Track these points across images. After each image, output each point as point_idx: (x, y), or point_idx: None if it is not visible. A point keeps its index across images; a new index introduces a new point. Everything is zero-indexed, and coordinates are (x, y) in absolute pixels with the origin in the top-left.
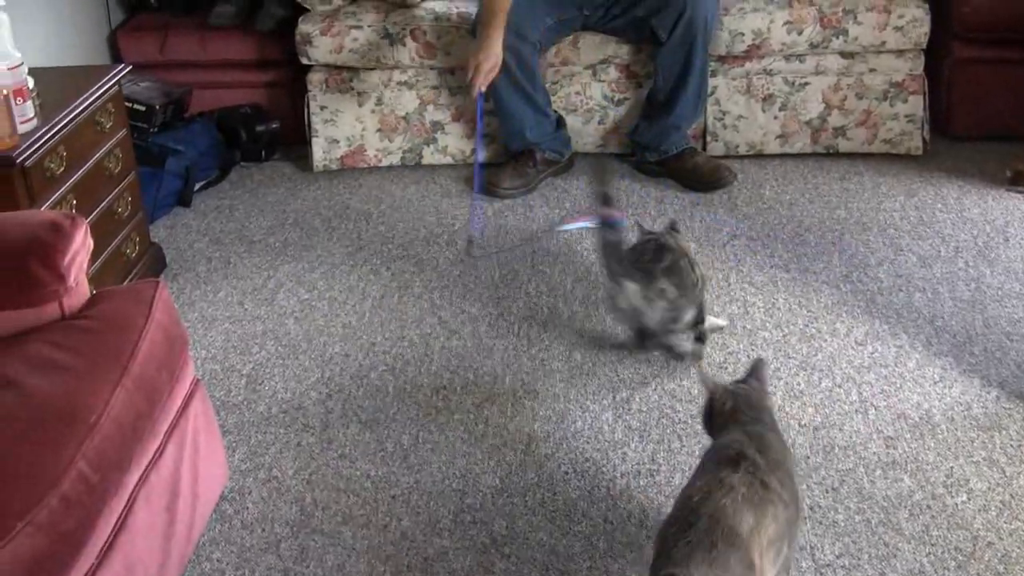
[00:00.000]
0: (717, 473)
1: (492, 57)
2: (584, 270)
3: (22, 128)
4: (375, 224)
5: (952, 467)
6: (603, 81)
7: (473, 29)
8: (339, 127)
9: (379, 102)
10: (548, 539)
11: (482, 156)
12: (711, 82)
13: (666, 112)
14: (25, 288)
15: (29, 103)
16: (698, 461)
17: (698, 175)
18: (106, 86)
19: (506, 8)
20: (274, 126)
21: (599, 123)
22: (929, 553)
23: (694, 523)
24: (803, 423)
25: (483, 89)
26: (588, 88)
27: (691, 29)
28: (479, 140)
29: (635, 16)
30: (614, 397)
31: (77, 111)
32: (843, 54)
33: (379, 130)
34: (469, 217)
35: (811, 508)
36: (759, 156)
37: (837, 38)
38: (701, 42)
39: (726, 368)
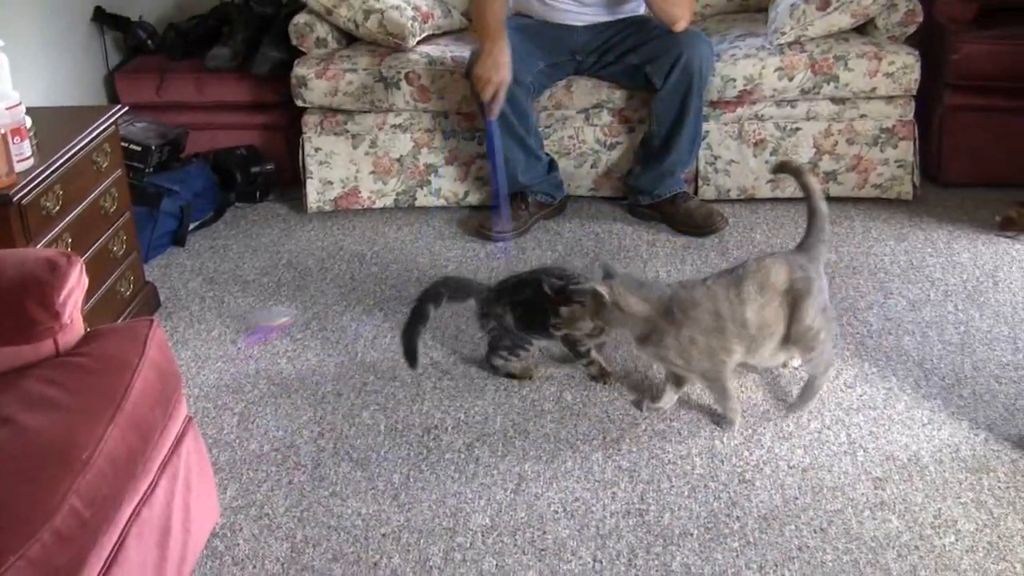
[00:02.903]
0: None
1: (501, 68)
2: None
3: (19, 167)
4: (368, 265)
5: (940, 508)
6: (596, 125)
7: (467, 71)
8: (333, 169)
9: (373, 144)
10: None
11: (504, 186)
12: (703, 127)
13: (661, 157)
14: (20, 325)
15: (27, 142)
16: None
17: (691, 220)
18: (103, 126)
19: (501, 16)
20: (269, 168)
21: (591, 167)
22: None
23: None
24: (792, 464)
25: (494, 115)
26: (581, 132)
27: (686, 75)
28: (500, 171)
29: (629, 63)
30: (604, 437)
31: (74, 151)
32: (834, 100)
33: (373, 172)
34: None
35: (799, 549)
36: (750, 200)
37: (828, 84)
38: (696, 88)
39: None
